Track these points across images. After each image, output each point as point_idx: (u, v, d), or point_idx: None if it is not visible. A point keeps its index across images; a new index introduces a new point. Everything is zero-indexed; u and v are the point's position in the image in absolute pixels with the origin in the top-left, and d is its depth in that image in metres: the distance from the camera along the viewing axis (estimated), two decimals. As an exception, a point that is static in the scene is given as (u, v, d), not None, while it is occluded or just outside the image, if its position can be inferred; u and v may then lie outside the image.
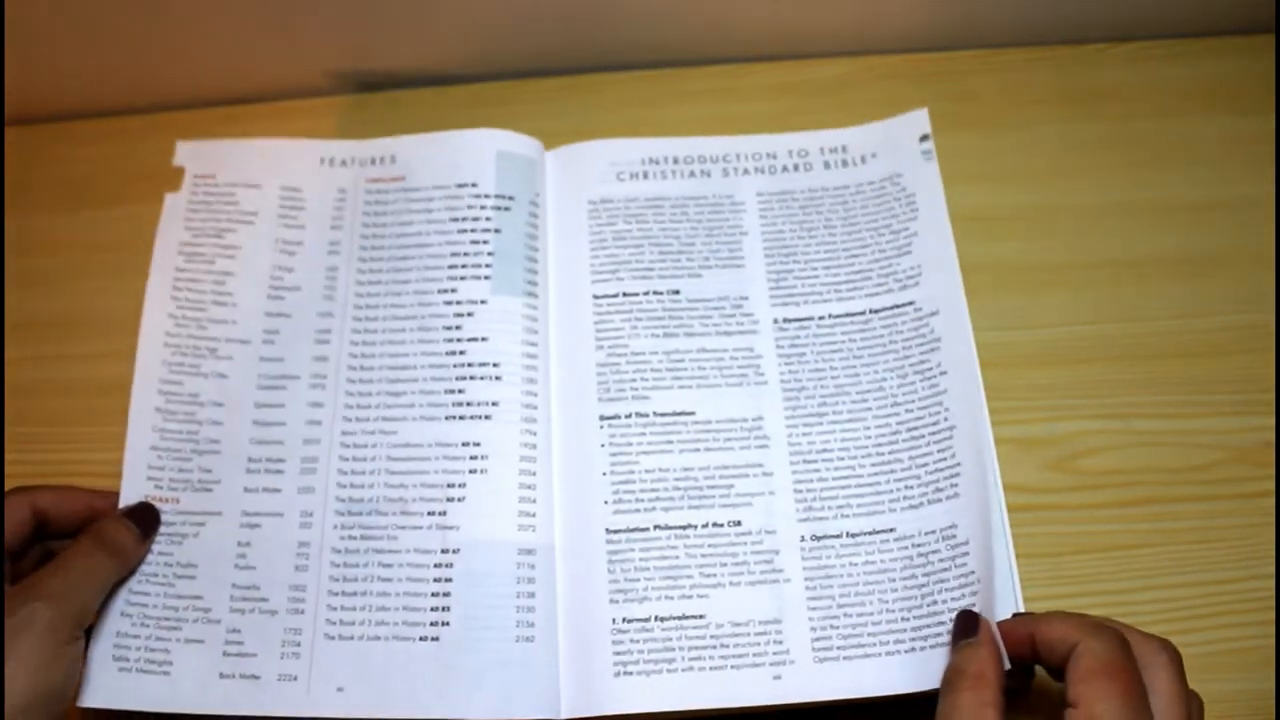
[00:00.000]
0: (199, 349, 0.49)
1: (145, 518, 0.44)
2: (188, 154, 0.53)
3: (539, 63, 0.60)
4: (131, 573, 0.44)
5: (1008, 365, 0.50)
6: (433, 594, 0.43)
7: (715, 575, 0.43)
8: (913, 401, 0.46)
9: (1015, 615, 0.41)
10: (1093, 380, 0.50)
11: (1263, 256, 0.53)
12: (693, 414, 0.46)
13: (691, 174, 0.52)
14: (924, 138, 0.51)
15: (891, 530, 0.44)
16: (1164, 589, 0.46)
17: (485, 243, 0.49)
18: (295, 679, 0.42)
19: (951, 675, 0.37)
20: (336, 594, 0.43)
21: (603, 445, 0.46)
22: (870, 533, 0.44)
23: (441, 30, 0.58)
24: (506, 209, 0.50)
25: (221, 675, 0.42)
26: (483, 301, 0.48)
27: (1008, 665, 0.38)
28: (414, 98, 0.60)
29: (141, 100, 0.61)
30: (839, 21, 0.59)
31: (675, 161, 0.52)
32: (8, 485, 0.51)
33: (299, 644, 0.43)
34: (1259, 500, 0.47)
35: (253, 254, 0.50)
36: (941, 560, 0.43)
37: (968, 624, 0.40)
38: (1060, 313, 0.52)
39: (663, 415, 0.46)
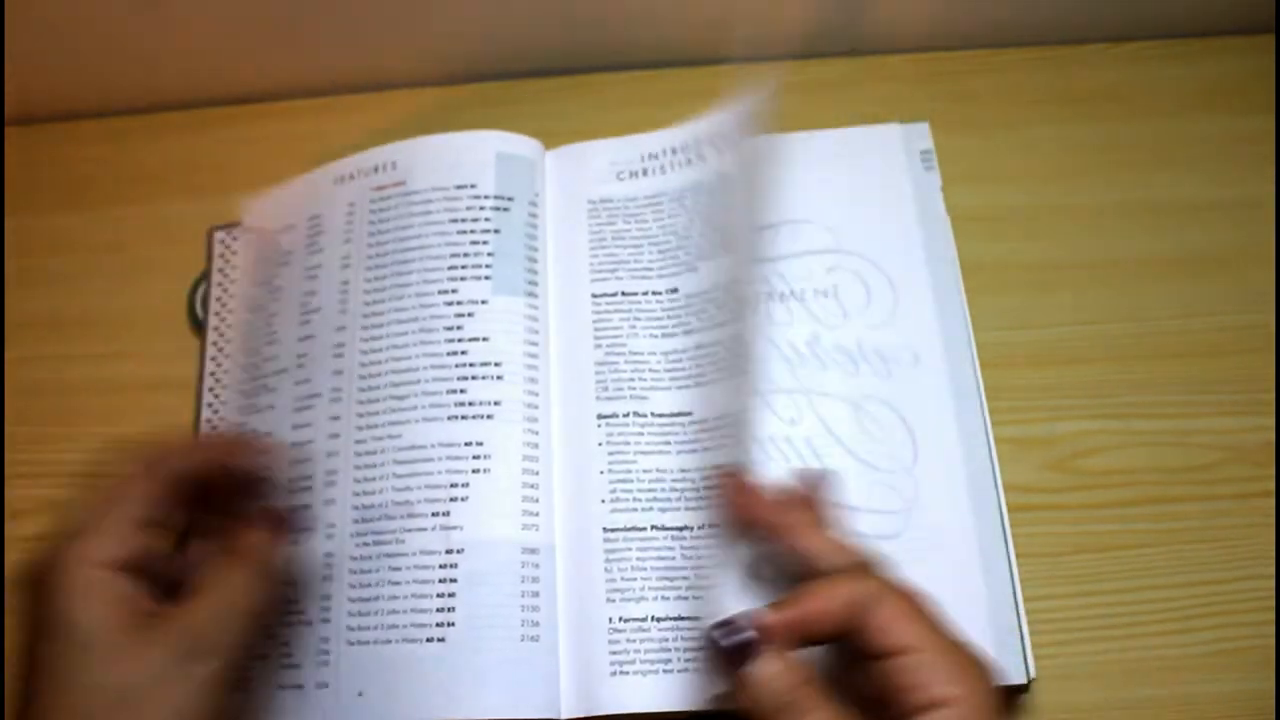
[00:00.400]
0: (256, 389, 0.49)
1: (288, 522, 0.40)
2: (254, 212, 0.54)
3: (539, 63, 0.60)
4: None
5: (1008, 365, 0.50)
6: (438, 595, 0.43)
7: (712, 577, 0.43)
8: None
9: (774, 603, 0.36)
10: (1093, 380, 0.50)
11: (1263, 256, 0.53)
12: (689, 414, 0.46)
13: (689, 161, 0.52)
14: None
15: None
16: (1164, 589, 0.46)
17: (485, 243, 0.49)
18: (326, 686, 0.43)
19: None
20: (355, 600, 0.44)
21: (600, 444, 0.46)
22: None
23: (442, 30, 0.58)
24: (506, 209, 0.50)
25: (279, 687, 0.43)
26: (483, 302, 0.48)
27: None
28: (414, 98, 0.60)
29: (141, 100, 0.61)
30: (839, 21, 0.59)
31: (674, 153, 0.52)
32: (8, 485, 0.51)
33: (328, 652, 0.43)
34: (1259, 500, 0.47)
35: (289, 288, 0.51)
36: None
37: (741, 650, 0.34)
38: (1060, 313, 0.52)
39: (660, 416, 0.46)
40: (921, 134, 0.52)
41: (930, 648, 0.34)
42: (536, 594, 0.43)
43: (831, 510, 0.40)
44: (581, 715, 0.42)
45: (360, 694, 0.42)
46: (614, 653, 0.42)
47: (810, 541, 0.37)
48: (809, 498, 0.40)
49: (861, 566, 0.36)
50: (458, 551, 0.43)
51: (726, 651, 0.34)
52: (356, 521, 0.45)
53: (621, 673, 0.42)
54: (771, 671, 0.34)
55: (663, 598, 0.43)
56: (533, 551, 0.44)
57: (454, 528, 0.44)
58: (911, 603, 0.35)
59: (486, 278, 0.48)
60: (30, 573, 0.33)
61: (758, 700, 0.33)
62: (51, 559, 0.33)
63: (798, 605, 0.35)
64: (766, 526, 0.38)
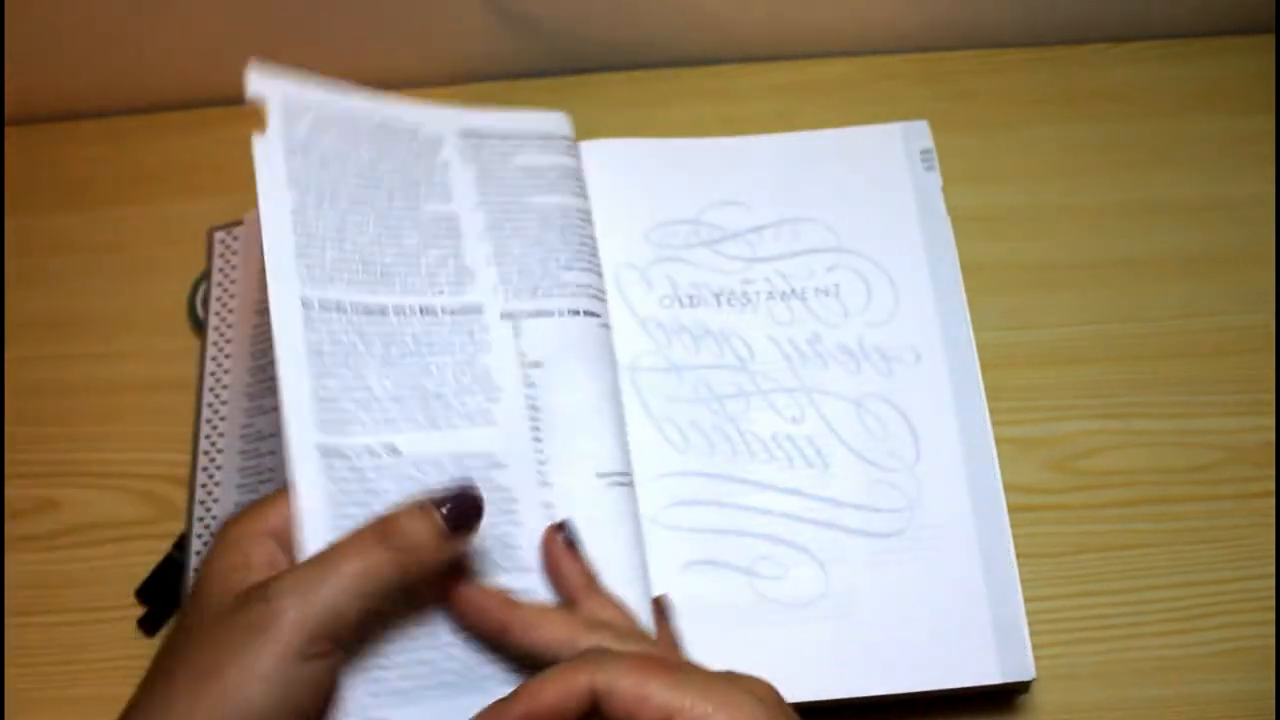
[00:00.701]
0: (262, 390, 0.49)
1: (459, 507, 0.35)
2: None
3: (539, 63, 0.60)
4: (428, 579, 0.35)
5: (1008, 365, 0.50)
6: None
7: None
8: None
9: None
10: (1093, 380, 0.50)
11: (1263, 256, 0.53)
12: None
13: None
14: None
15: None
16: (1164, 589, 0.46)
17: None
18: None
19: None
20: None
21: None
22: None
23: (442, 30, 0.58)
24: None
25: None
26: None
27: None
28: (415, 98, 0.60)
29: (141, 100, 0.61)
30: (839, 21, 0.59)
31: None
32: (8, 485, 0.51)
33: None
34: (1259, 500, 0.47)
35: None
36: None
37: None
38: (1060, 313, 0.52)
39: None
40: (921, 133, 0.52)
41: (689, 693, 0.30)
42: None
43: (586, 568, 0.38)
44: None
45: None
46: None
47: (539, 634, 0.35)
48: (568, 557, 0.38)
49: (593, 649, 0.33)
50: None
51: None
52: None
53: None
54: None
55: None
56: None
57: None
58: (649, 664, 0.31)
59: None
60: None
61: None
62: (218, 531, 0.35)
63: (519, 703, 0.31)
64: (494, 628, 0.36)
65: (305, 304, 0.40)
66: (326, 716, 0.33)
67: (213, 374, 0.51)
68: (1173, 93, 0.58)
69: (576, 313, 0.45)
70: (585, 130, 0.53)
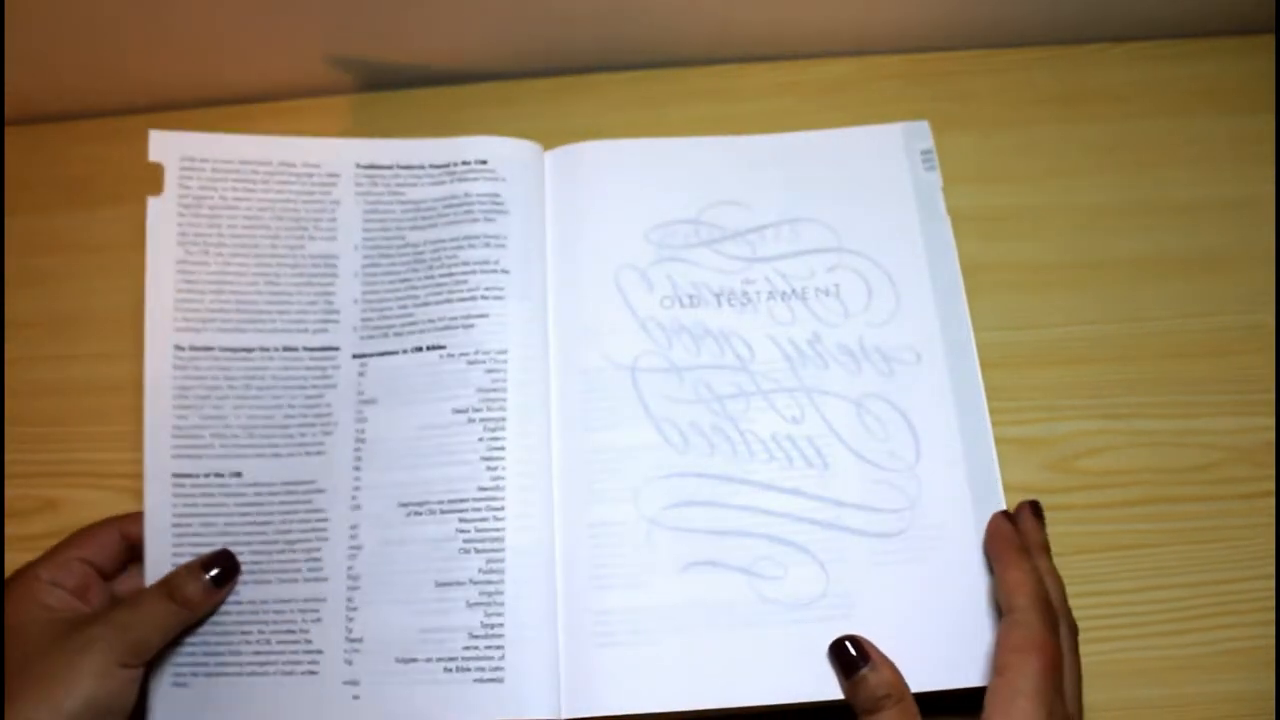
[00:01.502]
0: None
1: (222, 566, 0.44)
2: None
3: (539, 63, 0.60)
4: (202, 621, 0.44)
5: (1008, 365, 0.50)
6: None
7: None
8: None
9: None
10: (1093, 380, 0.50)
11: (1263, 256, 0.53)
12: None
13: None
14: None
15: None
16: (1164, 589, 0.46)
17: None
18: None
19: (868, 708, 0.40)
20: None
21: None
22: None
23: (442, 30, 0.58)
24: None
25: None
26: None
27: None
28: (414, 98, 0.60)
29: (141, 100, 0.61)
30: (839, 21, 0.59)
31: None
32: (8, 485, 0.51)
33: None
34: (1259, 500, 0.47)
35: None
36: None
37: (856, 652, 0.41)
38: (1060, 313, 0.52)
39: None
40: (922, 134, 0.52)
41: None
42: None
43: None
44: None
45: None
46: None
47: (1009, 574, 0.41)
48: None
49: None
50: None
51: (837, 649, 0.42)
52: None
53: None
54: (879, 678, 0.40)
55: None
56: None
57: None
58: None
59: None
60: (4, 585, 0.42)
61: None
62: (14, 575, 0.42)
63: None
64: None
65: (177, 348, 0.46)
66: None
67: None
68: (1173, 93, 0.58)
69: (420, 349, 0.47)
70: (585, 130, 0.54)
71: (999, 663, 0.38)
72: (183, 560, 0.44)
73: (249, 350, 0.47)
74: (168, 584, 0.43)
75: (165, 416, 0.45)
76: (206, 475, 0.45)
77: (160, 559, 0.44)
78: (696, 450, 0.46)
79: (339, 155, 0.50)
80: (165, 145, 0.48)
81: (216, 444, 0.46)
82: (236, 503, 0.45)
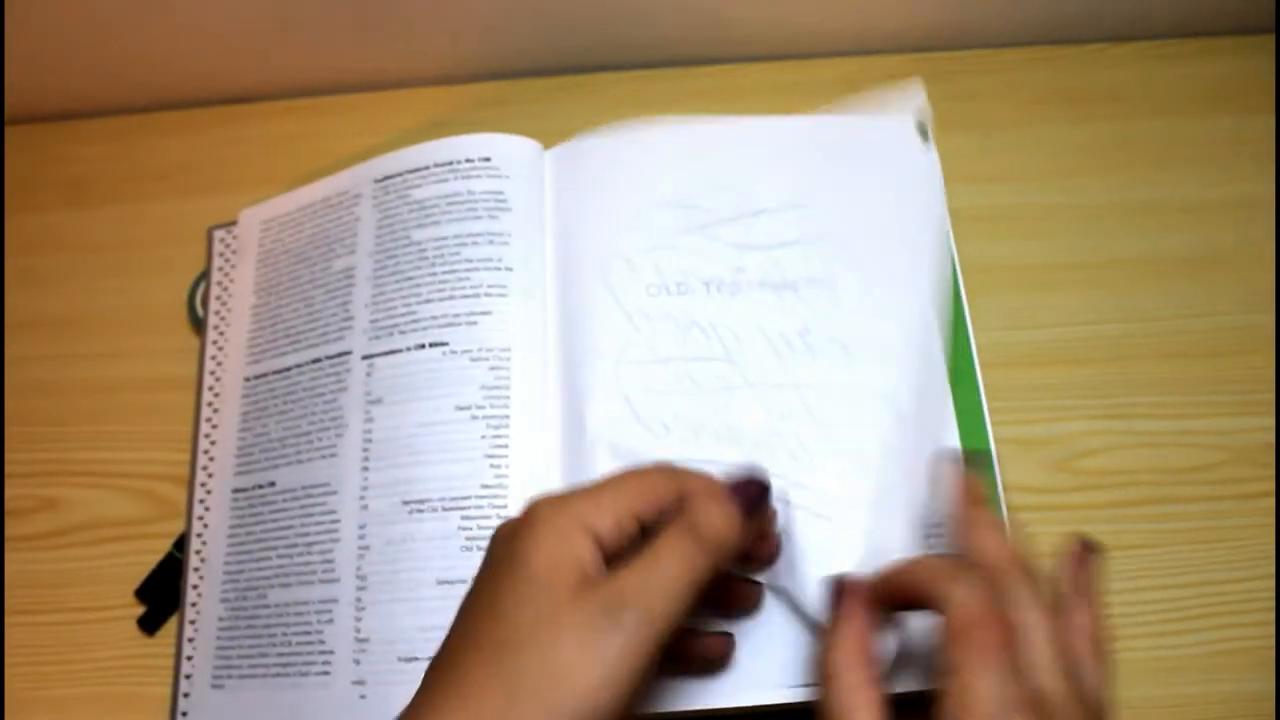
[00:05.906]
0: None
1: (748, 493, 0.35)
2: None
3: (539, 63, 0.60)
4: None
5: (1008, 365, 0.50)
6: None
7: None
8: None
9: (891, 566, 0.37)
10: (1093, 380, 0.50)
11: (1263, 256, 0.53)
12: None
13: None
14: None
15: None
16: (1164, 589, 0.46)
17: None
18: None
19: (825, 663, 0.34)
20: None
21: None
22: None
23: (442, 30, 0.58)
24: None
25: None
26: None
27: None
28: (414, 98, 0.60)
29: (141, 100, 0.61)
30: (839, 21, 0.59)
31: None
32: (8, 485, 0.51)
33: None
34: (1259, 500, 0.47)
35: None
36: None
37: (835, 595, 0.37)
38: (1060, 313, 0.52)
39: None
40: (916, 99, 0.51)
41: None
42: None
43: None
44: None
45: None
46: None
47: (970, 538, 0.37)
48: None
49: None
50: None
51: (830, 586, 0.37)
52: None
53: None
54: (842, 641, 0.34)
55: None
56: None
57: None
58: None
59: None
60: (508, 524, 0.34)
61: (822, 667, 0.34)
62: (532, 512, 0.34)
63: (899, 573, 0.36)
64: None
65: (245, 380, 0.50)
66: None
67: (212, 373, 0.51)
68: (1173, 93, 0.58)
69: (423, 346, 0.47)
70: (585, 131, 0.54)
71: (942, 661, 0.33)
72: (232, 570, 0.45)
73: (288, 369, 0.49)
74: (689, 526, 0.33)
75: (230, 440, 0.49)
76: (252, 488, 0.47)
77: (213, 572, 0.46)
78: (679, 441, 0.45)
79: (360, 176, 0.52)
80: (251, 219, 0.53)
81: (263, 459, 0.48)
82: (270, 510, 0.47)
